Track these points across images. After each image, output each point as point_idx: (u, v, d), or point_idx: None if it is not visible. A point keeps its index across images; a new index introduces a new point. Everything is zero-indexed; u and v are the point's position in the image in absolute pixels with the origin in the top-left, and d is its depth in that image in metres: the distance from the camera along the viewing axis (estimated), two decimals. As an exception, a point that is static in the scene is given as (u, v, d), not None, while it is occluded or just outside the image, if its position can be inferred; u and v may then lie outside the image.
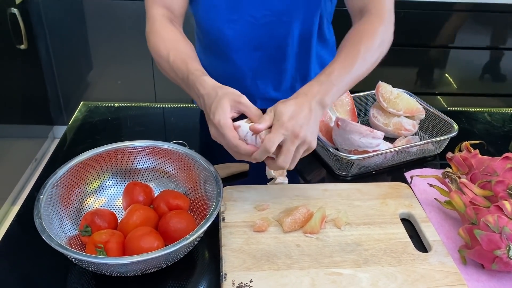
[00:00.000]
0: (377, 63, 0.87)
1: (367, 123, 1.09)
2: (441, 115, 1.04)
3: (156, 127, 1.10)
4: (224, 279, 0.68)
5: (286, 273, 0.69)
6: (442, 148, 1.01)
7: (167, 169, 0.83)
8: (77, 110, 1.13)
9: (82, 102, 1.15)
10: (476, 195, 0.78)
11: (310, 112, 0.74)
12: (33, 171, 2.37)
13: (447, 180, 0.84)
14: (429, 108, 1.06)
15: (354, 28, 0.91)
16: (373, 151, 0.91)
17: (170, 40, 0.89)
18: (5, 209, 2.11)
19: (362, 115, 1.11)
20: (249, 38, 1.05)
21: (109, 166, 0.80)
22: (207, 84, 0.77)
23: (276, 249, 0.74)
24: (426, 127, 1.07)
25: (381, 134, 0.90)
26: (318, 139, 0.96)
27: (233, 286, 0.67)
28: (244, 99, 0.76)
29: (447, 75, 2.45)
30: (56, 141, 2.54)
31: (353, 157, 0.89)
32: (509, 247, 0.68)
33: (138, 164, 0.82)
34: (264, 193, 0.85)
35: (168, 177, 0.83)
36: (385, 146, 0.93)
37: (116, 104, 1.16)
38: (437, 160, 1.02)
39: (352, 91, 1.05)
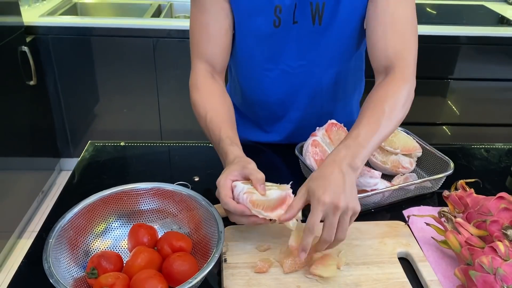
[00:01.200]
0: (400, 122, 0.90)
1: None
2: (437, 153, 1.06)
3: (161, 166, 1.13)
4: (226, 321, 0.70)
5: (286, 314, 0.71)
6: (439, 186, 1.04)
7: (171, 210, 0.86)
8: (84, 149, 1.16)
9: (89, 142, 1.19)
10: (471, 235, 0.80)
11: (342, 177, 0.75)
12: (40, 204, 2.40)
13: (443, 219, 0.87)
14: (426, 146, 1.09)
15: (378, 87, 0.93)
16: (371, 190, 0.93)
17: (209, 100, 0.97)
18: (12, 242, 2.14)
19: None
20: (283, 86, 1.10)
21: (115, 208, 0.83)
22: (232, 154, 0.85)
23: (277, 290, 0.76)
24: (424, 164, 1.10)
25: (378, 174, 0.93)
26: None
27: (235, 328, 0.69)
28: (252, 165, 0.81)
29: (449, 102, 2.48)
30: (63, 174, 2.60)
31: (351, 197, 0.91)
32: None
33: (143, 205, 0.85)
34: (265, 233, 0.87)
35: (172, 218, 0.86)
36: (383, 185, 0.96)
37: (122, 143, 1.19)
38: (435, 197, 1.04)
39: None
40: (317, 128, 1.06)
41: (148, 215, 0.86)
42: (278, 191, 0.81)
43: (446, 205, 0.90)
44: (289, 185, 0.83)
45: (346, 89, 1.17)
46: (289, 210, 0.76)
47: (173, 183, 0.87)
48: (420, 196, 1.03)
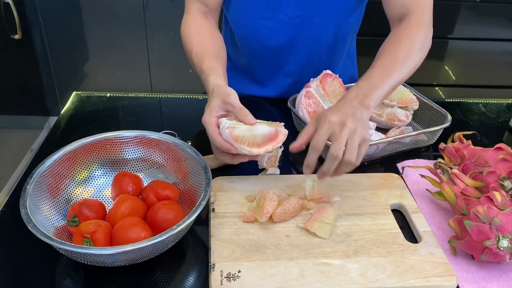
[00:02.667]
0: (416, 68, 0.87)
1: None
2: (434, 105, 1.03)
3: (148, 117, 1.09)
4: (212, 270, 0.67)
5: (275, 263, 0.69)
6: (435, 139, 1.01)
7: (157, 159, 0.82)
8: (69, 101, 1.12)
9: (74, 93, 1.14)
10: (467, 186, 0.78)
11: (352, 109, 0.74)
12: (29, 162, 2.36)
13: (438, 171, 0.84)
14: (423, 99, 1.05)
15: (392, 33, 0.90)
16: (365, 141, 0.90)
17: (196, 34, 0.93)
18: (0, 200, 2.11)
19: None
20: (280, 36, 1.05)
21: (98, 156, 0.80)
22: (210, 83, 0.81)
23: (265, 239, 0.73)
24: (420, 117, 1.06)
25: (373, 125, 0.90)
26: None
27: (221, 276, 0.66)
28: (233, 98, 0.77)
29: (446, 66, 2.43)
30: (52, 132, 2.55)
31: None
32: (499, 238, 0.68)
33: (128, 154, 0.82)
34: (255, 184, 0.84)
35: (158, 167, 0.82)
36: (377, 136, 0.92)
37: (108, 94, 1.15)
38: (430, 151, 1.01)
39: (345, 81, 1.04)
40: (311, 79, 1.02)
41: (133, 164, 0.82)
42: (267, 127, 0.77)
43: (442, 159, 0.87)
44: (282, 123, 0.80)
45: (345, 45, 1.13)
46: (300, 137, 0.75)
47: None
48: (415, 149, 1.00)
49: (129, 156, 0.82)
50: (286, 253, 0.71)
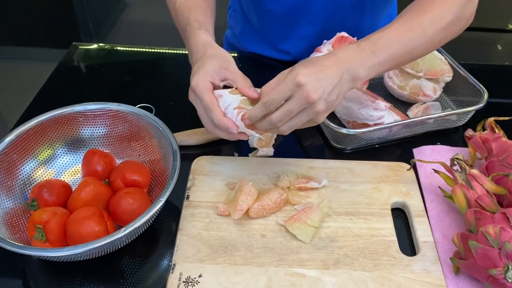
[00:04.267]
0: (442, 43, 0.71)
1: (381, 84, 0.93)
2: (470, 78, 0.86)
3: (146, 77, 0.99)
4: (172, 271, 0.62)
5: (242, 269, 0.62)
6: (466, 120, 0.85)
7: (129, 137, 0.75)
8: (66, 52, 1.05)
9: (73, 43, 1.07)
10: (486, 192, 0.64)
11: (336, 77, 0.60)
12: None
13: (456, 167, 0.71)
14: (459, 69, 0.88)
15: None
16: (374, 124, 0.77)
17: None
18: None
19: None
20: None
21: (64, 133, 0.73)
22: (200, 39, 0.68)
23: (237, 238, 0.66)
24: (452, 90, 0.90)
25: (385, 105, 0.76)
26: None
27: (180, 280, 0.60)
28: (233, 66, 0.65)
29: None
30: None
31: (344, 130, 0.75)
32: (508, 267, 0.56)
33: (98, 130, 0.75)
34: (241, 167, 0.75)
35: (132, 146, 0.75)
36: (391, 118, 0.79)
37: (107, 47, 1.06)
38: (460, 133, 0.86)
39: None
40: (324, 41, 0.87)
41: (103, 140, 0.75)
42: None
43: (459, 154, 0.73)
44: None
45: (378, 4, 0.94)
46: (264, 88, 0.62)
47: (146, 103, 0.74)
48: (440, 131, 0.86)
49: (100, 132, 0.75)
50: (257, 257, 0.63)
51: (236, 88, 0.65)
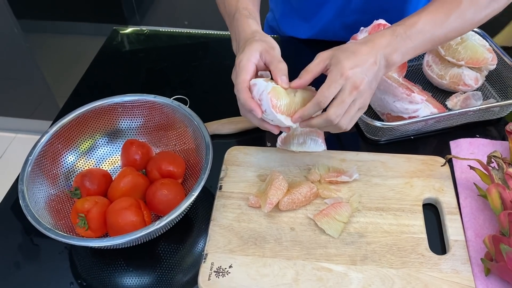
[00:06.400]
0: (483, 22, 0.70)
1: (419, 71, 0.90)
2: (516, 67, 0.82)
3: (183, 62, 1.01)
4: (204, 260, 0.64)
5: (270, 261, 0.64)
6: (508, 112, 0.82)
7: (163, 126, 0.77)
8: (107, 36, 1.08)
9: (113, 28, 1.09)
10: (523, 192, 0.63)
11: (374, 66, 0.62)
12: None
13: (493, 164, 0.69)
14: (504, 57, 0.84)
15: None
16: (410, 117, 0.76)
17: None
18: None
19: (416, 59, 0.92)
20: None
21: (103, 123, 0.76)
22: (249, 28, 0.69)
23: (267, 230, 0.67)
24: (496, 79, 0.87)
25: (420, 99, 0.74)
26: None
27: (211, 270, 0.63)
28: (277, 51, 0.66)
29: None
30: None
31: (377, 123, 0.75)
32: (540, 274, 0.55)
33: (134, 121, 0.77)
34: (272, 158, 0.77)
35: (167, 136, 0.78)
36: (427, 111, 0.77)
37: (146, 31, 1.08)
38: (502, 124, 0.83)
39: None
40: (361, 28, 0.85)
41: (141, 130, 0.78)
42: (304, 92, 0.66)
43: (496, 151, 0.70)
44: (313, 88, 0.68)
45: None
46: (304, 75, 0.63)
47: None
48: (481, 122, 0.83)
49: (137, 122, 0.77)
50: (285, 250, 0.65)
51: (271, 79, 0.65)
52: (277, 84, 0.64)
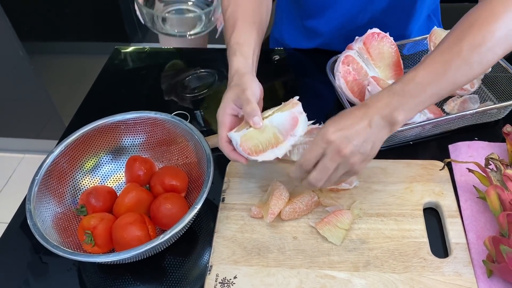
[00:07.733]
0: (492, 64, 0.64)
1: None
2: (511, 69, 0.83)
3: (184, 79, 1.03)
4: (209, 272, 0.66)
5: (274, 271, 0.65)
6: (505, 113, 0.83)
7: (166, 141, 0.79)
8: (109, 56, 1.10)
9: (115, 48, 1.12)
10: (521, 193, 0.63)
11: (367, 128, 0.60)
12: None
13: (491, 166, 0.70)
14: (499, 60, 0.85)
15: (469, 12, 0.65)
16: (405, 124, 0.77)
17: None
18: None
19: (412, 65, 0.93)
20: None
21: (107, 141, 0.78)
22: (232, 67, 0.71)
23: (270, 240, 0.69)
24: (492, 82, 0.87)
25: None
26: (350, 102, 0.84)
27: (216, 281, 0.64)
28: (247, 92, 0.65)
29: None
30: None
31: (377, 133, 0.76)
32: (540, 274, 0.56)
33: (136, 138, 0.79)
34: (273, 169, 0.78)
35: (170, 151, 0.79)
36: (422, 116, 0.78)
37: (147, 49, 1.11)
38: (500, 126, 0.84)
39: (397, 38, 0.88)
40: (356, 38, 0.87)
41: (144, 146, 0.80)
42: (282, 114, 0.65)
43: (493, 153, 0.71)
44: (295, 99, 0.67)
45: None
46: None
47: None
48: (478, 125, 0.84)
49: (139, 138, 0.79)
50: (289, 259, 0.66)
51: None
52: (249, 124, 0.65)
